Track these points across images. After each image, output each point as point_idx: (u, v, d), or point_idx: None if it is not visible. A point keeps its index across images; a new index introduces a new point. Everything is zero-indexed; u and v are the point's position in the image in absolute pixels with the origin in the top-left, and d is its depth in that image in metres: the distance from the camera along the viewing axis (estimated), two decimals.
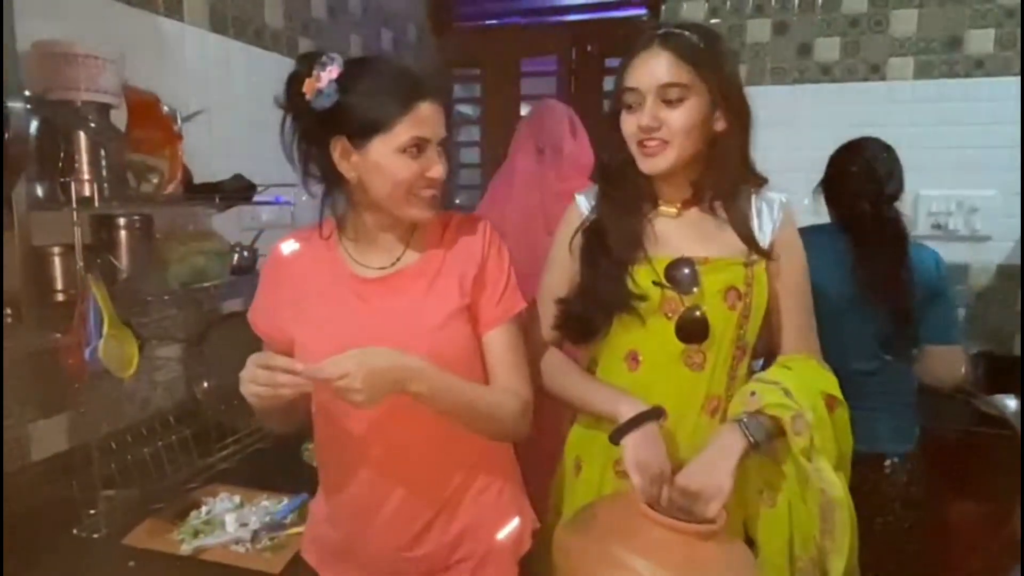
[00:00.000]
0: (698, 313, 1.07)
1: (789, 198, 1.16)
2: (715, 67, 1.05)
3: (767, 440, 1.02)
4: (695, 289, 1.07)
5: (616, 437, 1.06)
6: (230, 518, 1.27)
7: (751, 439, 1.01)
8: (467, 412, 1.01)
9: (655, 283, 1.09)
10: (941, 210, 2.41)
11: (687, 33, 1.06)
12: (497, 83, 3.09)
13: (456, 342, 1.04)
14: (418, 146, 0.98)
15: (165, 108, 1.46)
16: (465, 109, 3.30)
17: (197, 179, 1.61)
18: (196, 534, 1.25)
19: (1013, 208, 2.33)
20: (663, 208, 1.15)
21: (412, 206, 1.01)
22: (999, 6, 2.31)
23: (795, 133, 2.35)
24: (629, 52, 1.08)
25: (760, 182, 1.14)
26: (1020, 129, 2.23)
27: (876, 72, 2.45)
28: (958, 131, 2.37)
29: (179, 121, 1.48)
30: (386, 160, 0.98)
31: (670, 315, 1.09)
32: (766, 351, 1.19)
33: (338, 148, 0.99)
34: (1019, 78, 2.29)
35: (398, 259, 1.07)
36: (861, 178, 1.66)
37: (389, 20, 2.75)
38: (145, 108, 1.43)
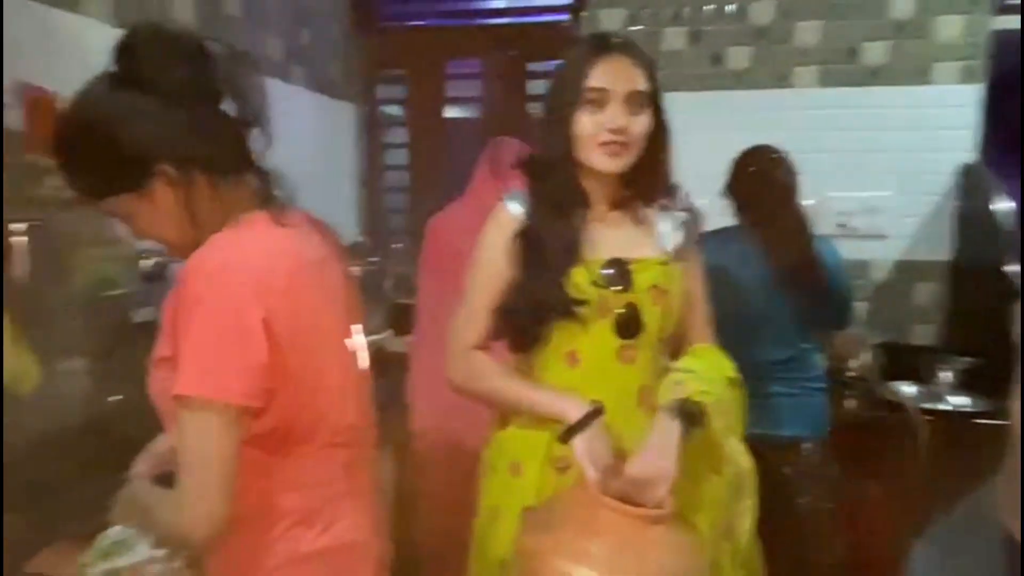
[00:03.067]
0: (635, 310, 1.14)
1: (696, 204, 1.26)
2: (656, 79, 1.15)
3: (696, 425, 1.11)
4: (630, 288, 1.14)
5: (567, 437, 1.11)
6: (144, 537, 1.21)
7: (685, 425, 1.09)
8: (158, 530, 0.95)
9: (594, 283, 1.14)
10: (845, 210, 2.56)
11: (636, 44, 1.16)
12: (422, 85, 3.08)
13: (160, 395, 0.89)
14: None
15: (63, 106, 1.38)
16: (391, 110, 3.27)
17: None
18: (105, 556, 1.18)
19: (908, 207, 2.51)
20: (594, 210, 1.19)
21: None
22: (891, 20, 2.48)
23: (710, 139, 2.45)
24: (582, 55, 1.12)
25: (674, 190, 1.24)
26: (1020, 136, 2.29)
27: (783, 80, 2.59)
28: (858, 136, 2.52)
29: None
30: None
31: (606, 314, 1.15)
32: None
33: None
34: (908, 88, 2.47)
35: None
36: (760, 179, 1.81)
37: (309, 19, 2.69)
38: (41, 106, 1.35)
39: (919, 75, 2.48)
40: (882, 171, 2.51)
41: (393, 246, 3.02)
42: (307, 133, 2.61)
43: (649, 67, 1.14)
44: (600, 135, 1.11)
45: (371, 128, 3.13)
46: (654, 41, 2.63)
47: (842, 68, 2.54)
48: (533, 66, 2.96)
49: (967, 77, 2.44)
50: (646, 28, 2.64)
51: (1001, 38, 2.42)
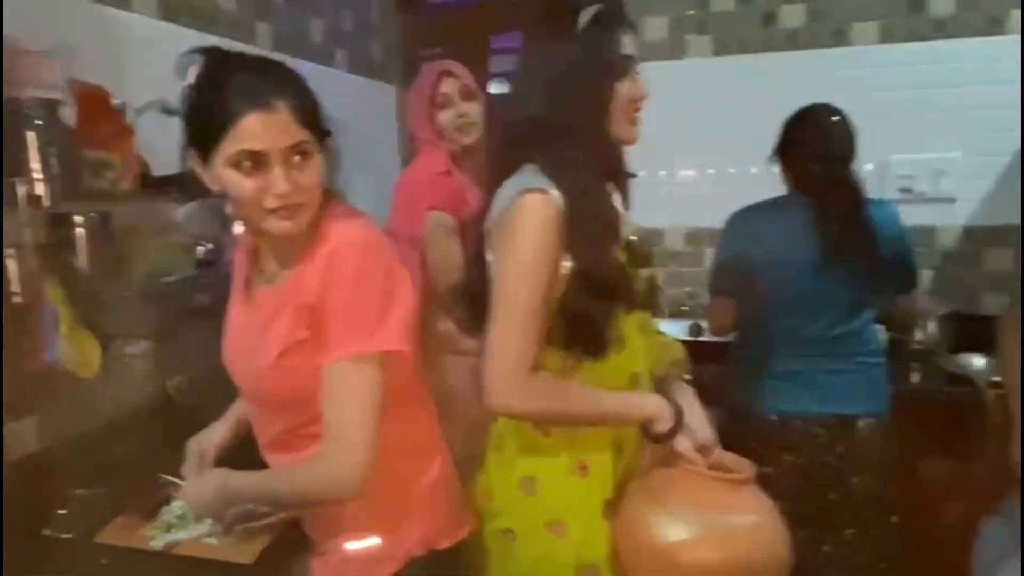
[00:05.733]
0: (654, 282, 1.18)
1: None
2: None
3: None
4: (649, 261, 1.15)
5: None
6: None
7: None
8: (280, 502, 1.09)
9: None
10: (909, 173, 2.43)
11: None
12: (464, 62, 3.05)
13: (293, 381, 0.98)
14: (252, 160, 0.90)
15: (115, 101, 1.42)
16: None
17: (157, 172, 1.58)
18: (168, 529, 1.25)
19: (979, 169, 2.36)
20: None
21: (267, 222, 0.94)
22: None
23: (763, 102, 2.36)
24: (610, 23, 1.05)
25: None
26: (1020, 95, 2.17)
27: (840, 37, 2.45)
28: (923, 94, 2.38)
29: (131, 114, 1.45)
30: (223, 176, 0.93)
31: None
32: None
33: (190, 158, 0.98)
34: (980, 39, 2.31)
35: (276, 274, 1.04)
36: (816, 143, 1.70)
37: (351, 1, 2.70)
38: (94, 102, 1.39)
39: (993, 24, 2.31)
40: (949, 131, 2.37)
41: None
42: (349, 116, 2.63)
43: None
44: (636, 105, 1.08)
45: None
46: (703, 4, 2.53)
47: (904, 22, 2.39)
48: None
49: None
50: None
51: None
